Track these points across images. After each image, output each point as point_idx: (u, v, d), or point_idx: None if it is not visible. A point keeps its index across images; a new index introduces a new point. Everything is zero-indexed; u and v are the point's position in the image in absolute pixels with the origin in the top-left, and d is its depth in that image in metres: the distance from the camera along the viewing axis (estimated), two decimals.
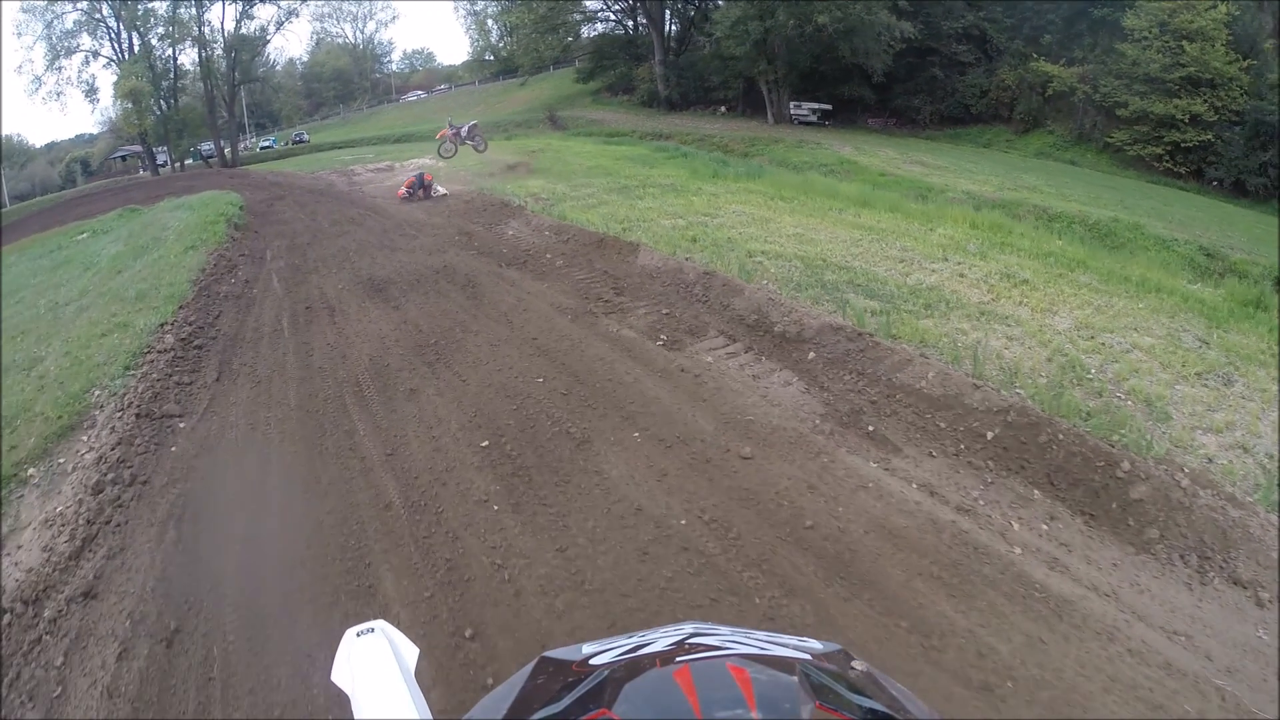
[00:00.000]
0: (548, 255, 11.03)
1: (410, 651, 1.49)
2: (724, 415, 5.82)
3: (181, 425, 6.56)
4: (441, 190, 18.64)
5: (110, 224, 20.98)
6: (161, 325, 8.76)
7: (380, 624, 1.54)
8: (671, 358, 7.10)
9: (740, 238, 11.30)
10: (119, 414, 6.70)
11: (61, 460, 6.14)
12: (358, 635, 1.50)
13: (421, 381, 6.91)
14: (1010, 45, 34.74)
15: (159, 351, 7.97)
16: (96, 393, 7.21)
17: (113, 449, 6.04)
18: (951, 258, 10.07)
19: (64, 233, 22.56)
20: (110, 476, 5.64)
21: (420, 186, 18.42)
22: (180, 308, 9.45)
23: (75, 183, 57.60)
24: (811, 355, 6.84)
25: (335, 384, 7.02)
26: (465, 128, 24.68)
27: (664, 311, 8.37)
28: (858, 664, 0.72)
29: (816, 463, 5.09)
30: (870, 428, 5.55)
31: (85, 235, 20.72)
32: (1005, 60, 34.56)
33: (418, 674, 1.44)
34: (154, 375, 7.45)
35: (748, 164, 21.44)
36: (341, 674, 1.47)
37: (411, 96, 65.48)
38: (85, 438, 6.45)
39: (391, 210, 16.80)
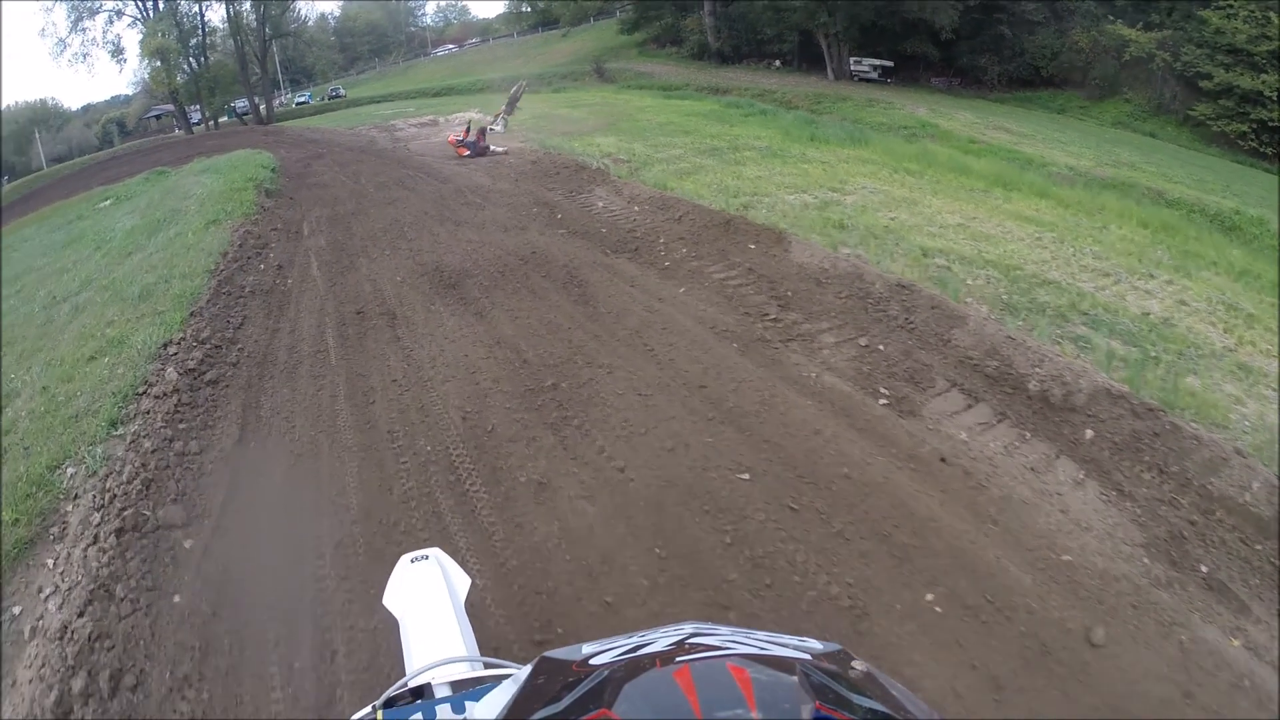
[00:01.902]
0: (661, 239, 8.18)
1: (462, 581, 1.47)
2: (1030, 551, 3.69)
3: (187, 545, 3.90)
4: (500, 149, 15.76)
5: (135, 188, 18.38)
6: (164, 346, 6.06)
7: (435, 552, 1.53)
8: (913, 432, 4.64)
9: (897, 226, 8.60)
10: (97, 519, 4.05)
11: (17, 610, 3.54)
12: (412, 562, 1.50)
13: (550, 466, 4.20)
14: (1081, 5, 30.64)
15: (157, 396, 5.27)
16: (71, 471, 4.58)
17: (83, 611, 3.37)
18: (1155, 272, 8.13)
19: (89, 198, 20.07)
20: (80, 676, 3.02)
21: (475, 146, 15.54)
22: (191, 314, 6.74)
23: (113, 143, 54.93)
24: (1090, 434, 4.64)
25: (416, 465, 4.30)
26: (495, 120, 18.83)
27: (861, 343, 5.75)
28: (858, 664, 0.66)
29: (1172, 643, 3.25)
30: (1203, 568, 3.70)
31: (108, 202, 18.16)
32: (1076, 20, 30.46)
33: (468, 604, 1.40)
34: (148, 439, 4.78)
35: (844, 127, 18.11)
36: (393, 598, 1.44)
37: (442, 51, 61.59)
38: (50, 563, 3.84)
39: (445, 171, 13.92)
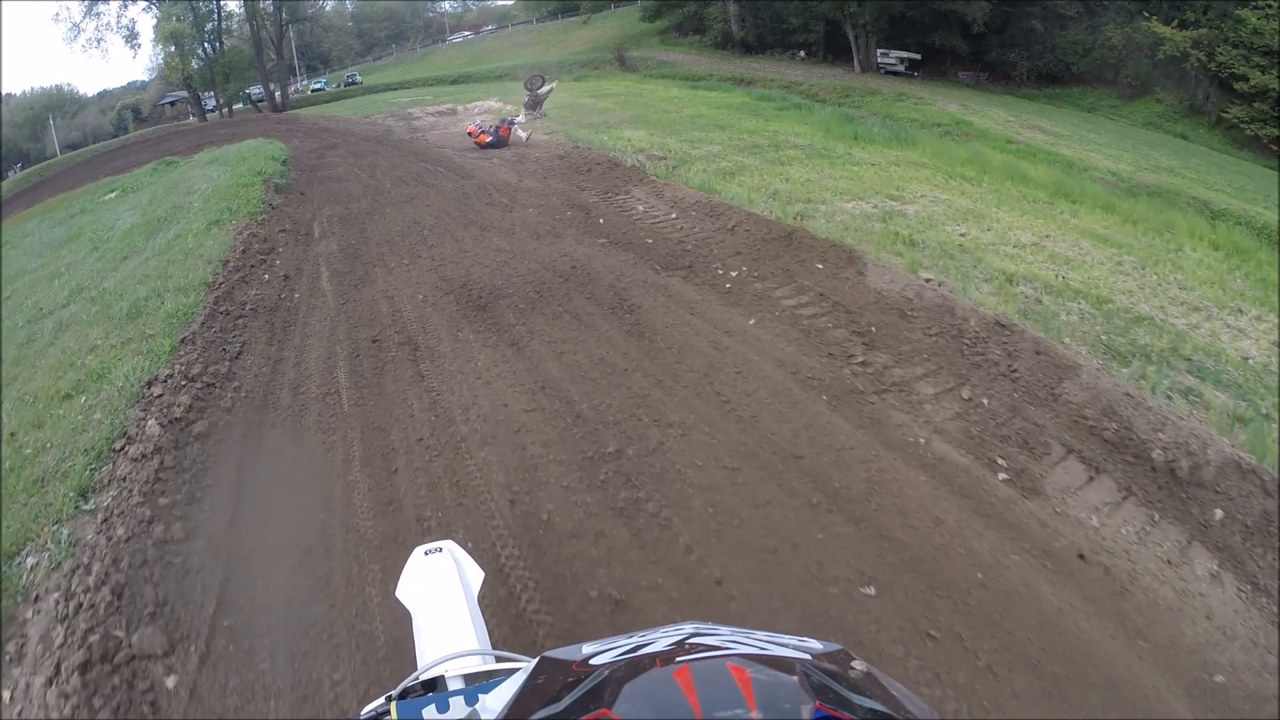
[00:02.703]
0: (716, 254, 7.13)
1: (476, 575, 1.46)
2: (1185, 673, 3.00)
3: (169, 683, 2.90)
4: (523, 135, 14.73)
5: (142, 180, 17.49)
6: (148, 385, 5.06)
7: (449, 544, 1.50)
8: (1042, 518, 3.80)
9: (971, 245, 7.67)
10: (60, 637, 3.10)
11: None
12: (425, 554, 1.48)
13: (627, 575, 3.22)
14: (1115, 1, 29.07)
15: (135, 458, 4.27)
16: (32, 561, 3.63)
17: None
18: (1242, 306, 7.45)
19: (95, 189, 19.19)
20: None
21: (497, 140, 14.50)
22: (182, 341, 5.73)
23: (127, 130, 53.98)
24: (1219, 515, 3.93)
25: None
26: (519, 116, 17.16)
27: (964, 395, 4.84)
28: (858, 664, 0.64)
29: None
30: None
31: (113, 195, 17.28)
32: (1109, 16, 28.90)
33: (480, 598, 1.39)
34: (122, 521, 3.79)
35: (888, 126, 16.85)
36: (406, 590, 1.43)
37: (457, 38, 60.19)
38: (6, 697, 2.92)
39: (467, 164, 12.85)
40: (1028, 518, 3.78)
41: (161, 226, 10.20)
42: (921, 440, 4.39)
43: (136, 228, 10.63)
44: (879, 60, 30.63)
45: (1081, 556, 3.55)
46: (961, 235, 8.09)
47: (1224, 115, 26.38)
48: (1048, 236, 8.71)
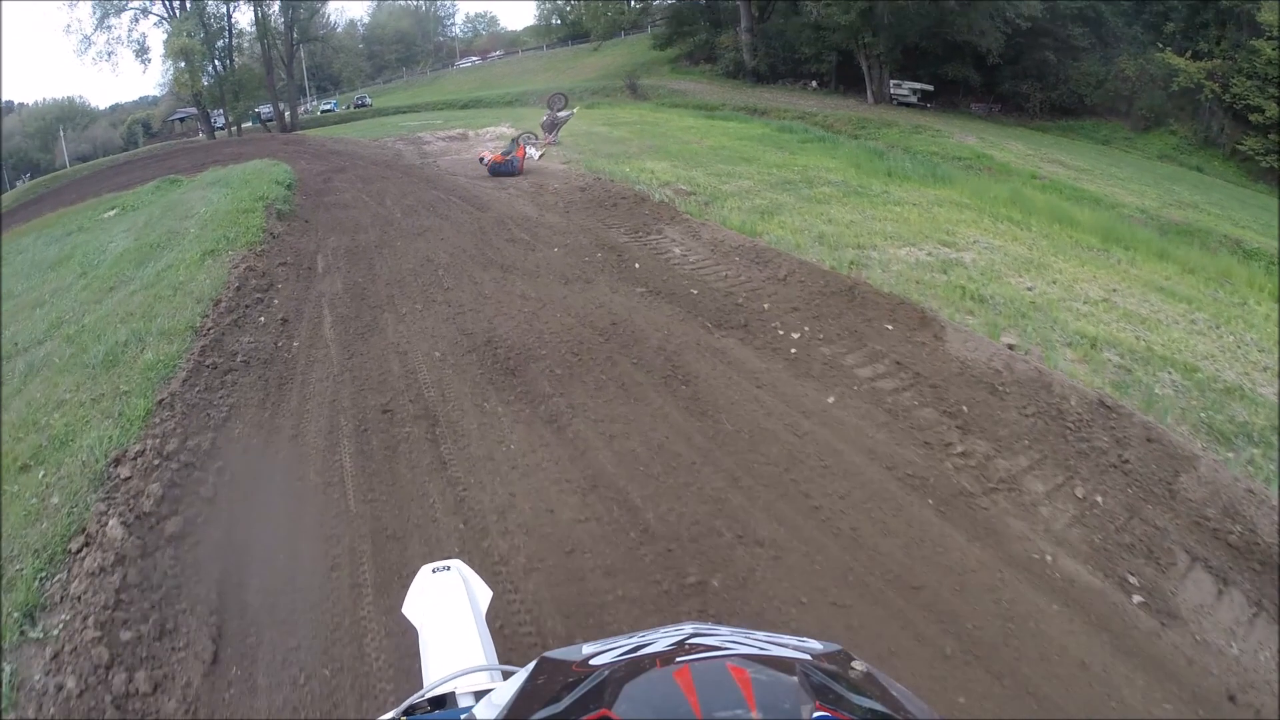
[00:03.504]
0: (770, 309, 6.27)
1: (484, 593, 1.43)
2: None
3: None
4: (535, 154, 13.96)
5: (144, 198, 16.62)
6: (115, 463, 4.14)
7: (456, 563, 1.48)
8: (1189, 654, 3.16)
9: (1041, 301, 6.87)
10: None
11: None
12: (433, 572, 1.45)
13: None
14: (1128, 31, 28.54)
15: (93, 572, 3.35)
16: None
17: None
18: None
19: (96, 206, 18.34)
20: None
21: (507, 169, 13.69)
22: (159, 404, 4.81)
23: (137, 144, 53.35)
24: None
25: None
26: (534, 140, 16.51)
27: (1077, 494, 4.14)
28: (858, 664, 0.64)
29: None
30: None
31: (112, 213, 16.41)
32: (1123, 48, 28.40)
33: (488, 616, 1.36)
34: (74, 666, 2.91)
35: (920, 161, 16.08)
36: (413, 608, 1.40)
37: (465, 63, 59.76)
38: None
39: (482, 194, 11.99)
40: (1172, 652, 3.16)
41: (154, 254, 9.30)
42: (1047, 558, 3.60)
43: (128, 254, 9.73)
44: (892, 91, 30.11)
45: (1231, 699, 2.98)
46: (1028, 289, 7.27)
47: (1239, 147, 25.77)
48: (1114, 290, 7.89)
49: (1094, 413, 4.78)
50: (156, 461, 4.13)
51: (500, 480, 3.94)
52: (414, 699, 1.08)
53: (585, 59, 41.26)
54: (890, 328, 5.91)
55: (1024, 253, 8.81)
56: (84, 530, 3.64)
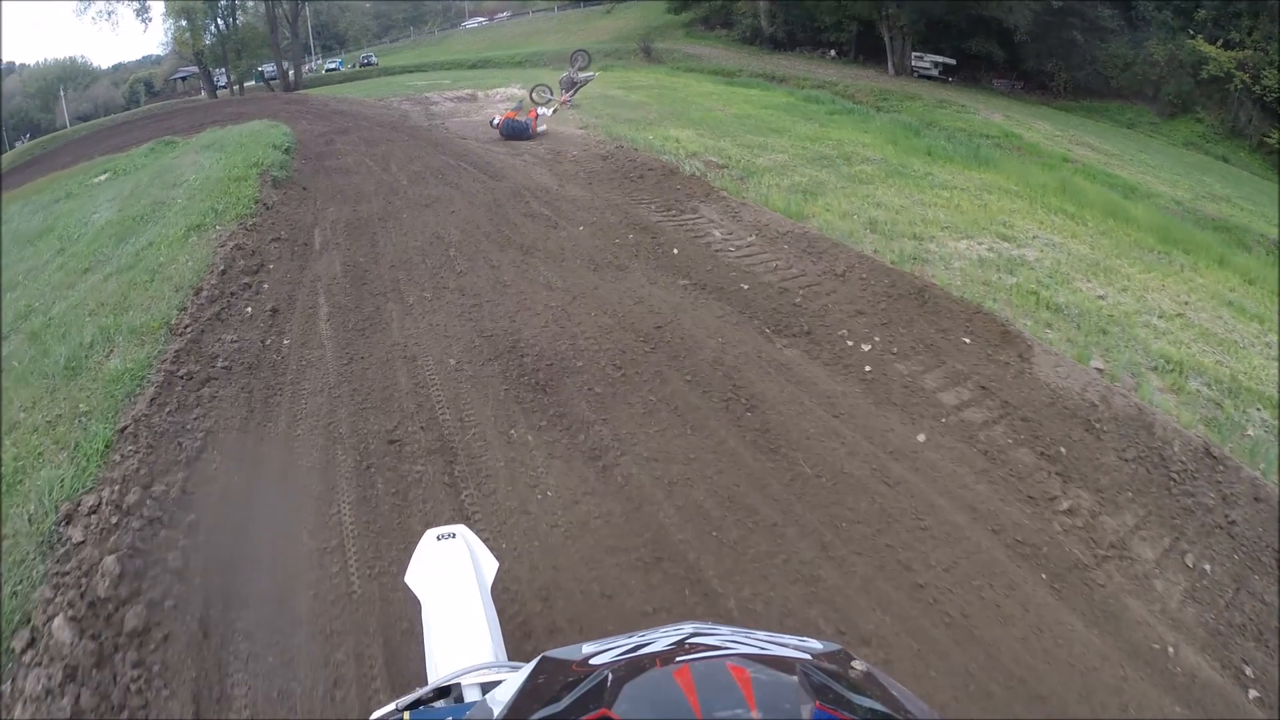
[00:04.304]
0: (832, 309, 5.34)
1: (490, 564, 1.34)
2: None
3: None
4: (547, 111, 12.89)
5: (137, 161, 15.59)
6: (65, 520, 3.23)
7: (462, 529, 1.38)
8: None
9: (1116, 313, 6.10)
10: None
11: None
12: (438, 539, 1.36)
13: None
14: (1158, 16, 27.01)
15: (34, 696, 2.48)
16: None
17: None
18: None
19: (88, 169, 17.29)
20: None
21: (520, 131, 12.60)
22: (121, 433, 3.86)
23: (139, 103, 51.66)
24: None
25: None
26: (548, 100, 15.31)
27: (1187, 562, 3.47)
28: (858, 664, 0.62)
29: None
30: None
31: (104, 177, 15.37)
32: (1152, 32, 26.90)
33: (493, 588, 1.28)
34: None
35: (958, 140, 14.86)
36: (416, 577, 1.32)
37: (471, 23, 57.53)
38: None
39: (495, 160, 10.89)
40: None
41: (136, 228, 8.31)
42: (1169, 649, 3.00)
43: (110, 227, 8.73)
44: (913, 63, 28.66)
45: None
46: (1100, 298, 6.38)
47: (1266, 139, 24.73)
48: (1186, 303, 7.01)
49: (1199, 463, 4.13)
50: (114, 519, 3.20)
51: (539, 545, 3.01)
52: (419, 692, 1.00)
53: (598, 21, 39.45)
54: (968, 341, 4.97)
55: (1086, 252, 7.84)
56: (29, 621, 2.74)
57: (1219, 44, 24.97)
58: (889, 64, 28.49)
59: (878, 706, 0.55)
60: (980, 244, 7.27)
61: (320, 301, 5.80)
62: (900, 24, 27.22)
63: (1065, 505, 3.61)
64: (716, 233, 6.92)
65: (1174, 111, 27.13)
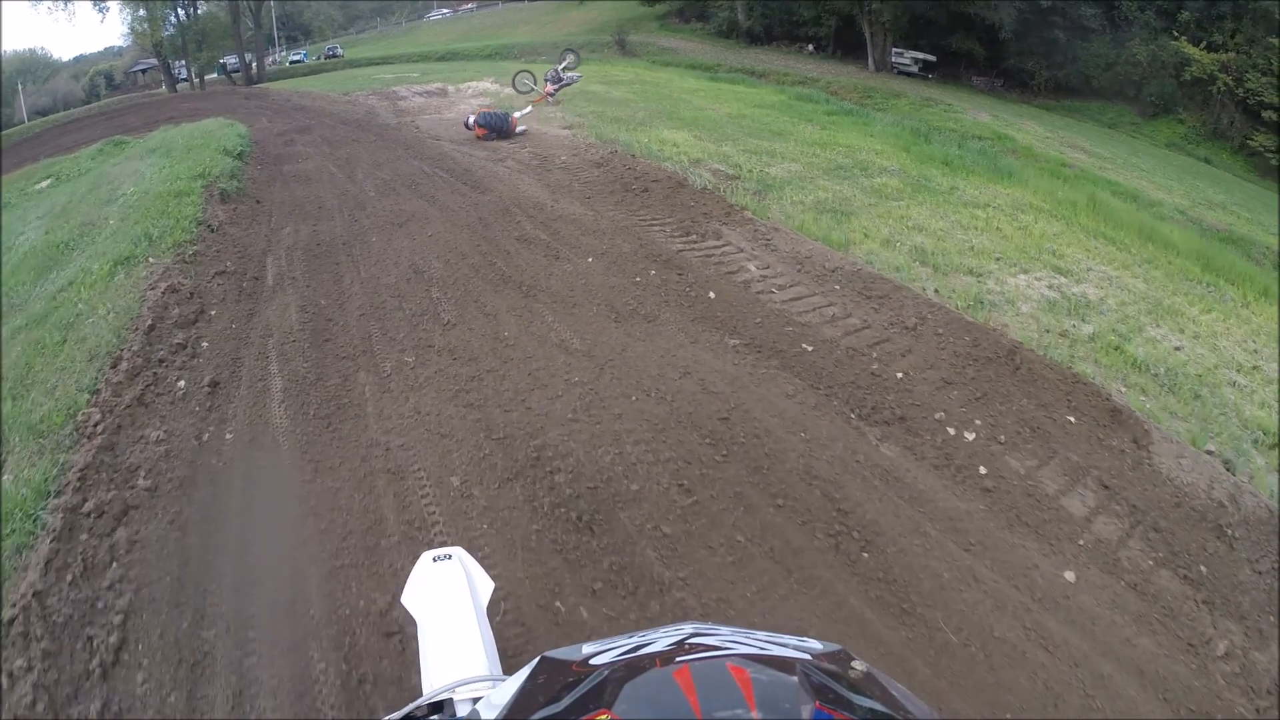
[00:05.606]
0: (916, 380, 4.19)
1: (485, 585, 1.27)
2: None
3: None
4: (522, 128, 11.52)
5: (83, 164, 13.94)
6: None
7: (458, 551, 1.32)
8: None
9: (1201, 372, 5.14)
10: None
11: None
12: (434, 560, 1.30)
13: None
14: (1141, 16, 26.25)
15: None
16: None
17: None
18: None
19: (32, 174, 15.54)
20: None
21: (499, 130, 11.23)
22: (8, 626, 2.51)
23: (99, 97, 48.57)
24: None
25: None
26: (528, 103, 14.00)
27: None
28: (858, 664, 0.61)
29: None
30: None
31: (47, 183, 13.71)
32: (1135, 32, 26.20)
33: (489, 609, 1.20)
34: None
35: (971, 149, 13.67)
36: (413, 598, 1.24)
37: (436, 15, 55.01)
38: None
39: (474, 166, 9.44)
40: None
41: (60, 257, 6.80)
42: None
43: (32, 255, 7.18)
44: (893, 59, 27.59)
45: None
46: (1177, 349, 5.36)
47: (1248, 142, 24.38)
48: (1256, 352, 5.98)
49: None
50: None
51: None
52: (410, 708, 0.95)
53: (570, 12, 37.51)
54: (1073, 421, 3.88)
55: (1143, 288, 6.81)
56: None
57: (1202, 46, 24.54)
58: (869, 60, 27.44)
59: (878, 706, 0.53)
60: (1039, 279, 6.17)
61: (272, 370, 4.43)
62: (883, 20, 26.08)
63: (1221, 649, 2.75)
64: (751, 266, 5.67)
65: (1155, 112, 26.71)
